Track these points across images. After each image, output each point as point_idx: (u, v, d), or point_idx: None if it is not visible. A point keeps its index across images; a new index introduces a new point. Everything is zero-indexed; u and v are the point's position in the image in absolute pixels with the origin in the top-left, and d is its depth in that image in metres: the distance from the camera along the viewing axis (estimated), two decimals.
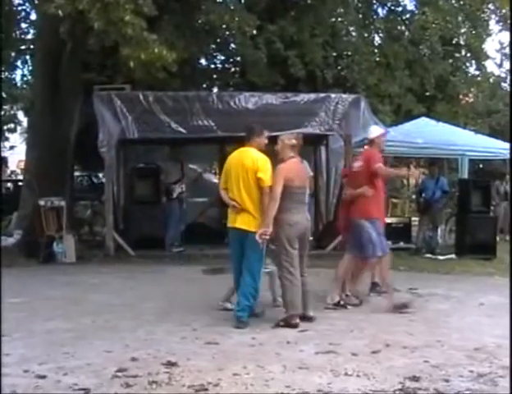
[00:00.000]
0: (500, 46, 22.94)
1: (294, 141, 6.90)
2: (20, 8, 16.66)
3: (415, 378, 4.79)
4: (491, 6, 17.92)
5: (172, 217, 12.68)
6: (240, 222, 6.77)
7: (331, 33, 16.38)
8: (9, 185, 21.57)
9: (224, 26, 14.57)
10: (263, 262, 6.95)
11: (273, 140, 7.13)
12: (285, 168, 6.78)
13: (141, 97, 11.91)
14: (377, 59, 17.15)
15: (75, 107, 13.03)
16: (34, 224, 11.80)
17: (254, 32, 14.42)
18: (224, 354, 5.50)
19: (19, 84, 18.52)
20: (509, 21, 16.02)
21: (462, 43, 18.31)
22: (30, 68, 16.99)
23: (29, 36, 16.96)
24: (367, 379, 4.79)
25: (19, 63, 17.82)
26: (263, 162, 6.78)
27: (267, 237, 6.54)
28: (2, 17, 14.18)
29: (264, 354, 5.50)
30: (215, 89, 17.61)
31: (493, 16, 18.65)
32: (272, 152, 7.04)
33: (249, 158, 6.81)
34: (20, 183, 16.02)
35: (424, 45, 17.15)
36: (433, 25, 16.50)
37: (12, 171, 29.31)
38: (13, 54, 17.06)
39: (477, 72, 18.87)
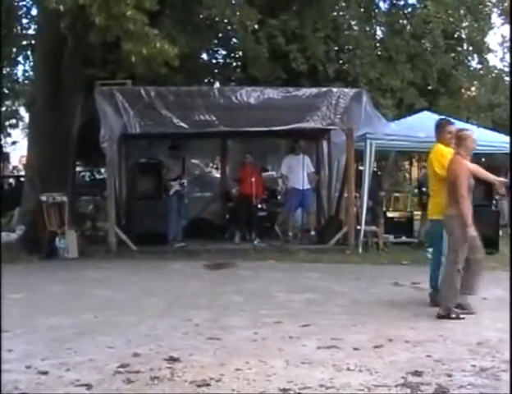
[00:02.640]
0: (502, 39, 22.84)
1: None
2: (20, 4, 16.65)
3: (418, 373, 4.78)
4: None
5: (171, 214, 12.67)
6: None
7: (332, 27, 16.35)
8: (11, 180, 21.63)
9: (225, 21, 14.57)
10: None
11: None
12: None
13: (143, 92, 11.86)
14: (379, 53, 17.17)
15: (77, 102, 13.03)
16: (37, 220, 11.80)
17: (256, 26, 14.41)
18: (226, 349, 5.49)
19: (20, 80, 18.53)
20: None
21: (464, 36, 18.28)
22: (32, 64, 16.97)
23: (31, 31, 16.95)
24: (369, 374, 4.78)
25: (20, 59, 17.83)
26: (436, 154, 7.18)
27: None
28: (3, 13, 14.16)
29: (266, 349, 5.49)
30: (217, 84, 17.58)
31: (495, 10, 18.67)
32: None
33: (431, 153, 7.33)
34: (22, 179, 16.04)
35: (426, 39, 17.14)
36: (435, 19, 16.51)
37: (14, 167, 29.36)
38: (14, 50, 17.07)
39: (479, 66, 18.90)
